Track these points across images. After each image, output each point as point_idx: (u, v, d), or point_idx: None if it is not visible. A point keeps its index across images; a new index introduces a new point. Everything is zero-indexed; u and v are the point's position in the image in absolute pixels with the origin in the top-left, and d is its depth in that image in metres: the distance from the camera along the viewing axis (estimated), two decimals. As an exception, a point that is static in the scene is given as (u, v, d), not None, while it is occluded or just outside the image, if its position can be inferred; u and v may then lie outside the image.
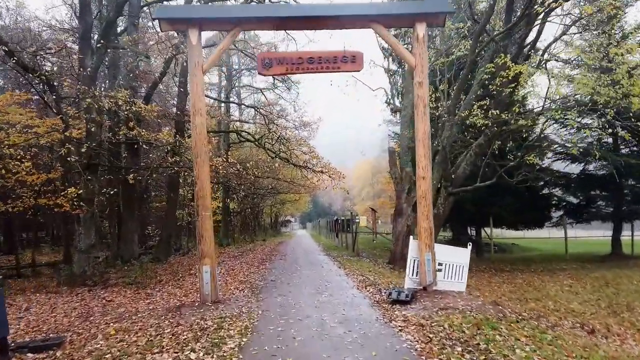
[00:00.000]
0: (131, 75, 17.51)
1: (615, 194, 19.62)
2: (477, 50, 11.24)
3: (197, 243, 7.86)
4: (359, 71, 8.42)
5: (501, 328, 5.83)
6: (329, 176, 19.42)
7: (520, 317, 6.93)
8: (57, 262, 17.75)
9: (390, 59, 19.63)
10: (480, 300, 7.89)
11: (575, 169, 20.65)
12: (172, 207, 20.20)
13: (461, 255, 9.25)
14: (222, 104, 30.86)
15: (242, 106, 34.48)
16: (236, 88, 33.69)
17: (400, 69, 22.20)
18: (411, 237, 8.58)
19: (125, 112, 12.71)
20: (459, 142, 15.10)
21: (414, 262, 8.49)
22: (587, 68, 10.68)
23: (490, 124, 11.24)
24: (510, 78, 10.44)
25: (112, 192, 14.05)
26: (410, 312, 6.92)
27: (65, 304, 9.09)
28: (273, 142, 19.30)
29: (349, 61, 8.10)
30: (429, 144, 8.40)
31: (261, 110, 21.86)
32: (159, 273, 13.22)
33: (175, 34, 14.73)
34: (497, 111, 10.36)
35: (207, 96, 23.09)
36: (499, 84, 10.89)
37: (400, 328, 5.99)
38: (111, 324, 6.97)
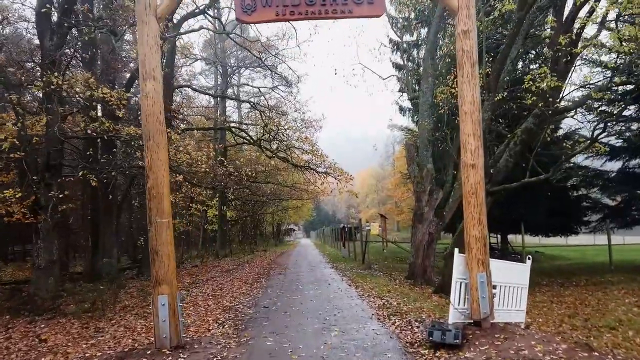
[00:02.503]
0: (108, 62, 15.22)
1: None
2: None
3: (150, 264, 5.46)
4: (378, 16, 6.01)
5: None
6: (335, 178, 17.04)
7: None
8: (27, 279, 15.36)
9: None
10: (562, 343, 5.40)
11: (613, 166, 18.12)
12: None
13: (519, 273, 6.81)
14: (218, 105, 28.62)
15: (242, 108, 32.32)
16: (234, 87, 31.45)
17: (416, 51, 19.91)
18: (455, 250, 6.13)
19: (83, 99, 10.39)
20: (493, 133, 12.70)
21: (461, 286, 6.03)
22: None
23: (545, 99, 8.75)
24: (571, 39, 8.02)
25: (78, 198, 11.66)
26: (469, 367, 4.47)
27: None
28: (270, 140, 16.90)
29: (364, 1, 5.71)
30: (478, 119, 6.00)
31: (257, 105, 19.51)
32: (127, 294, 10.79)
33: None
34: (553, 82, 7.93)
35: (195, 89, 20.79)
36: (554, 50, 8.46)
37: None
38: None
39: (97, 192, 15.26)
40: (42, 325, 7.84)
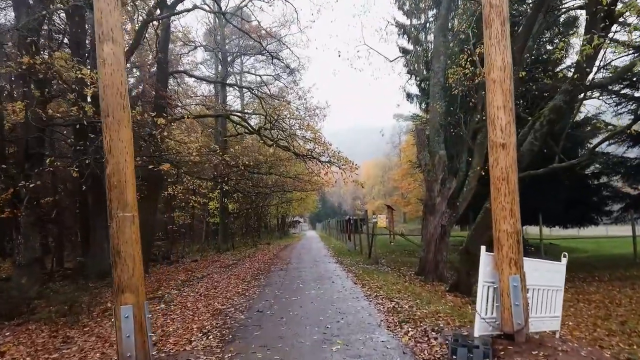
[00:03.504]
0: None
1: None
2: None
3: (111, 267, 4.49)
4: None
5: None
6: (339, 167, 16.00)
7: None
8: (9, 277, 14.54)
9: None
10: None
11: (638, 152, 16.93)
12: (151, 208, 16.90)
13: (555, 274, 5.78)
14: (219, 95, 27.60)
15: (244, 97, 31.30)
16: (235, 76, 30.42)
17: (424, 34, 18.79)
18: (482, 249, 5.09)
19: (62, 81, 9.42)
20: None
21: (488, 291, 5.00)
22: None
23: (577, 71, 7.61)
24: None
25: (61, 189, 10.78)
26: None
27: None
28: (271, 128, 15.86)
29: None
30: (510, 88, 4.92)
31: (257, 91, 18.46)
32: (107, 298, 9.87)
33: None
34: (589, 49, 6.78)
35: (191, 75, 19.77)
36: (592, 12, 7.29)
37: None
38: None
39: (86, 183, 14.38)
40: (7, 333, 6.93)
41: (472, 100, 12.35)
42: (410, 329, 5.82)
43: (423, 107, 22.90)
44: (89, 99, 11.74)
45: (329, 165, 16.37)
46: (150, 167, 10.11)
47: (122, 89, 4.50)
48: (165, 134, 10.20)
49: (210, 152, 12.87)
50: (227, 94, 29.54)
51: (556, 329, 5.78)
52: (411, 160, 26.97)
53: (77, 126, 10.25)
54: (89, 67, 10.26)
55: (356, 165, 15.90)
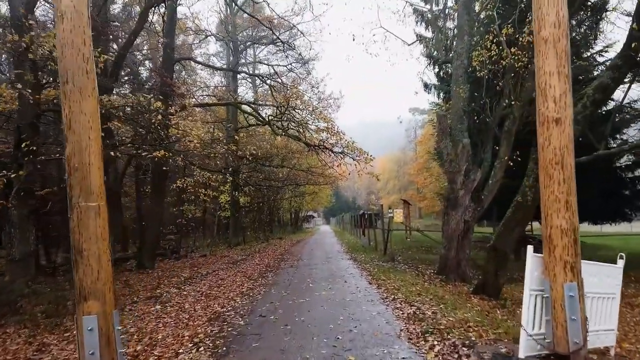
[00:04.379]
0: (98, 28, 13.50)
1: None
2: None
3: (72, 268, 3.68)
4: None
5: None
6: (353, 159, 15.10)
7: None
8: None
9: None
10: None
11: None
12: (158, 200, 16.23)
13: (610, 278, 4.84)
14: (230, 85, 26.80)
15: (257, 87, 30.48)
16: (247, 66, 29.59)
17: (443, 21, 17.69)
18: (529, 249, 4.13)
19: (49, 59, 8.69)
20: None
21: (536, 302, 4.06)
22: None
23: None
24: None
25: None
26: None
27: None
28: (281, 118, 14.99)
29: None
30: (566, 49, 3.94)
31: (267, 79, 17.60)
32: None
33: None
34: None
35: (197, 61, 18.99)
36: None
37: None
38: None
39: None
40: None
41: (499, 84, 11.31)
42: (436, 342, 4.92)
43: (442, 97, 21.80)
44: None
45: (342, 156, 15.47)
46: (144, 154, 9.34)
47: (85, 50, 3.65)
48: (168, 121, 9.39)
49: (214, 141, 12.04)
50: (239, 85, 28.77)
51: (611, 345, 4.84)
52: (430, 151, 25.78)
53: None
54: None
55: (371, 156, 14.98)
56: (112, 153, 9.42)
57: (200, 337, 5.44)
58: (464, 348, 4.66)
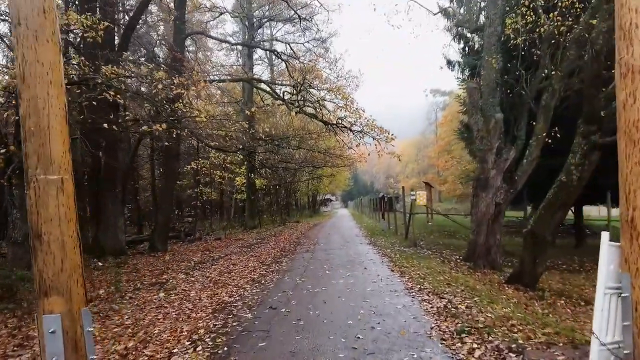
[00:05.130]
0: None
1: None
2: None
3: (31, 257, 2.99)
4: None
5: None
6: (374, 138, 14.20)
7: None
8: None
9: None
10: None
11: None
12: (169, 182, 15.68)
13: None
14: (245, 64, 25.97)
15: (274, 66, 29.59)
16: (264, 43, 28.64)
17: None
18: (603, 235, 3.27)
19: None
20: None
21: (610, 302, 3.22)
22: None
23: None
24: None
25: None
26: None
27: None
28: (298, 93, 14.13)
29: None
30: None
31: (282, 54, 16.72)
32: (119, 275, 8.64)
33: None
34: None
35: (210, 36, 18.18)
36: None
37: None
38: None
39: (97, 154, 13.21)
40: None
41: (537, 52, 10.22)
42: (475, 345, 4.13)
43: (466, 74, 20.61)
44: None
45: (362, 135, 14.56)
46: (143, 127, 8.68)
47: (44, -19, 2.89)
48: (172, 94, 8.67)
49: (224, 117, 11.31)
50: (255, 64, 27.94)
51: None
52: (455, 129, 24.56)
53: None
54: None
55: (392, 135, 14.04)
56: (114, 127, 8.75)
57: (200, 333, 4.76)
58: (510, 354, 3.87)
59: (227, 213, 33.39)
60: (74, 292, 2.94)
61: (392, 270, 8.67)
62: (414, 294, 6.46)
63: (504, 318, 4.98)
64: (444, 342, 4.30)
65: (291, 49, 23.13)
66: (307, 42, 26.07)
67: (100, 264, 11.76)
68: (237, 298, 6.53)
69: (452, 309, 5.44)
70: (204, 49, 24.17)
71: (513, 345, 4.08)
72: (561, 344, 4.14)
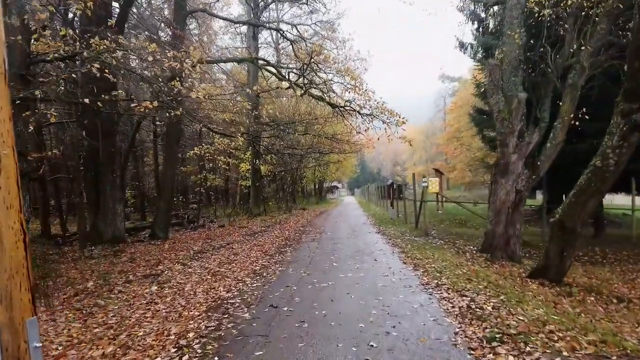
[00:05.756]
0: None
1: None
2: None
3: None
4: None
5: None
6: (384, 122, 13.47)
7: None
8: None
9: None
10: None
11: None
12: (170, 167, 15.07)
13: None
14: (250, 46, 25.13)
15: (279, 48, 28.70)
16: (270, 24, 27.72)
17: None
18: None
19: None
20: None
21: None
22: None
23: None
24: None
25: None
26: None
27: None
28: (303, 73, 13.38)
29: None
30: None
31: (287, 34, 15.93)
32: (112, 265, 8.08)
33: None
34: None
35: (212, 14, 17.40)
36: None
37: None
38: None
39: (95, 137, 12.62)
40: None
41: (563, 27, 9.40)
42: (511, 357, 3.47)
43: (479, 56, 19.73)
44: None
45: (371, 119, 13.81)
46: (133, 104, 8.05)
47: None
48: (164, 69, 7.98)
49: (223, 97, 10.61)
50: (260, 47, 27.07)
51: None
52: (470, 112, 23.56)
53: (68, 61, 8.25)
54: None
55: (403, 119, 13.30)
56: (105, 107, 8.11)
57: (189, 337, 4.14)
58: (555, 368, 3.21)
59: (232, 200, 32.85)
60: (15, 298, 2.32)
61: (405, 263, 8.02)
62: (430, 290, 5.80)
63: (538, 322, 4.32)
64: (472, 352, 3.65)
65: (297, 31, 22.27)
66: (314, 24, 25.24)
67: (96, 252, 11.24)
68: (236, 293, 5.92)
69: (477, 309, 4.79)
70: (208, 32, 23.40)
71: (557, 359, 3.42)
72: (614, 357, 3.48)
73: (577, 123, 8.85)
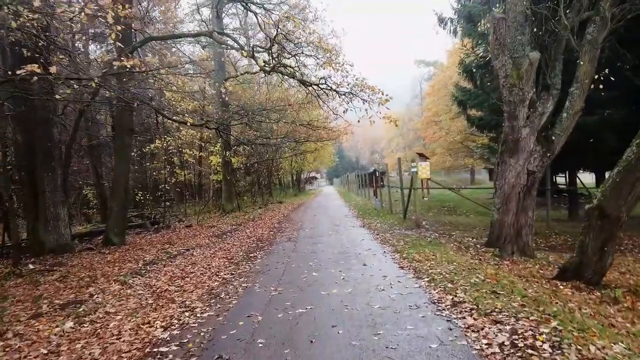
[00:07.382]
0: None
1: None
2: None
3: None
4: None
5: None
6: (365, 101, 11.81)
7: None
8: None
9: None
10: None
11: None
12: (122, 162, 13.07)
13: None
14: (216, 27, 22.96)
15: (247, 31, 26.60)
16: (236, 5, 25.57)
17: None
18: None
19: None
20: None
21: None
22: None
23: None
24: None
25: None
26: None
27: None
28: (270, 47, 11.51)
29: None
30: None
31: (250, 6, 13.99)
32: (48, 284, 6.22)
33: None
34: None
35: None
36: None
37: None
38: None
39: (29, 130, 10.62)
40: None
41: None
42: None
43: (459, 33, 18.14)
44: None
45: (350, 98, 12.10)
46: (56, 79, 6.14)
47: None
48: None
49: (179, 73, 8.72)
50: (225, 28, 24.92)
51: None
52: (453, 91, 21.96)
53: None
54: None
55: (387, 95, 11.67)
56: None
57: None
58: None
59: (206, 196, 30.80)
60: None
61: (402, 267, 6.40)
62: (446, 312, 4.18)
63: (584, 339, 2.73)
64: None
65: (264, 9, 20.23)
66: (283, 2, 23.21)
67: (31, 266, 9.29)
68: (175, 333, 4.17)
69: (528, 349, 3.17)
70: (173, 20, 21.21)
71: None
72: None
73: (602, 86, 7.34)
